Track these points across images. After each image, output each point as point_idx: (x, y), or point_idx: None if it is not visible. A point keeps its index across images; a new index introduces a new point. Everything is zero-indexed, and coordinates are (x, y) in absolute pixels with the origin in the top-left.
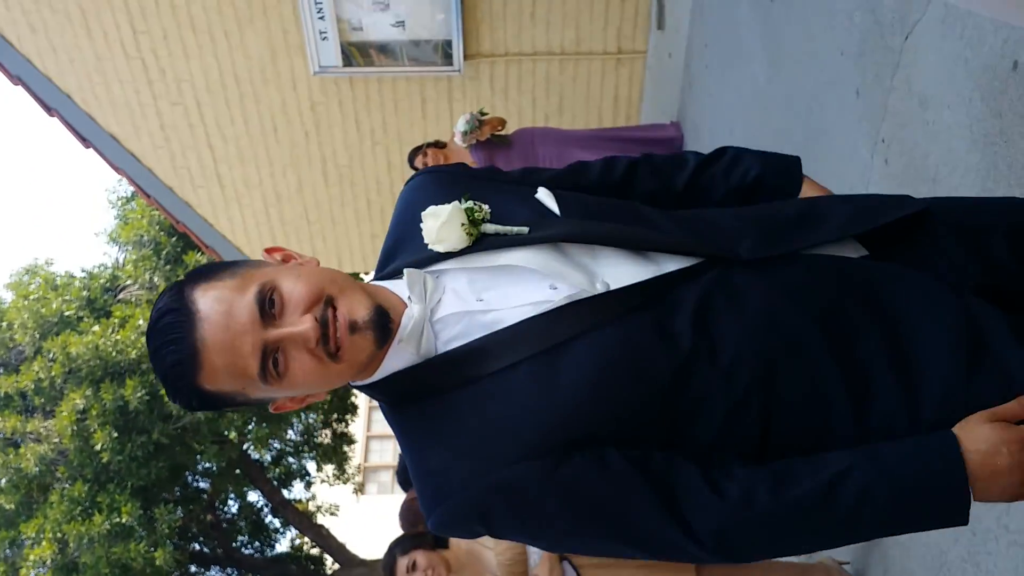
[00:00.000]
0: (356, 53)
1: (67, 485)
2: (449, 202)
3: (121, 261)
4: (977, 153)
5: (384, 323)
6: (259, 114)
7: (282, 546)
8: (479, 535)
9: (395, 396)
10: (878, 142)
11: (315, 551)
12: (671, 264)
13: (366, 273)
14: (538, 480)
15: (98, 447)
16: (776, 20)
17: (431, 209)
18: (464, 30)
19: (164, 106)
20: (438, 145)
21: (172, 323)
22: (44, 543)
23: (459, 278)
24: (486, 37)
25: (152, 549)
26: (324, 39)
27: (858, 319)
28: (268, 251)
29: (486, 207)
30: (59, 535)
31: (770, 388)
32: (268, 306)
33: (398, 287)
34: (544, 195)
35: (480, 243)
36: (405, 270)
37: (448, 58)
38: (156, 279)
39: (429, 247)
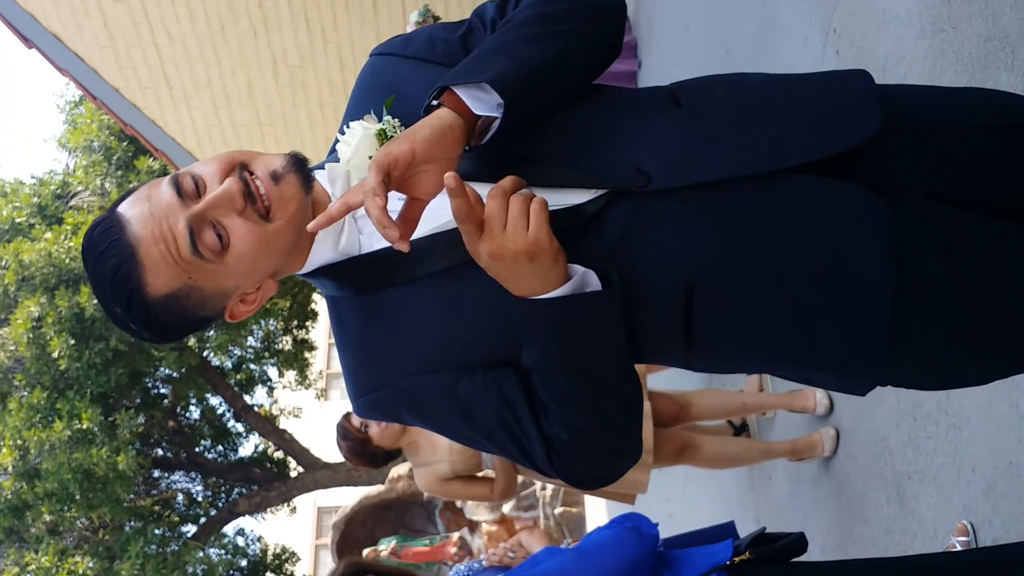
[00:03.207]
0: None
1: (25, 393)
2: (390, 93)
3: (71, 167)
4: (926, 41)
5: (303, 167)
6: (205, 11)
7: (245, 450)
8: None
9: (328, 288)
10: (829, 32)
11: (279, 455)
12: (586, 193)
13: None
14: (438, 393)
15: (55, 354)
16: None
17: (349, 131)
18: None
19: (107, 3)
20: None
21: (103, 232)
22: (4, 449)
23: None
24: None
25: (114, 455)
26: None
27: (782, 250)
28: None
29: (398, 127)
30: (19, 442)
31: (691, 313)
32: (191, 187)
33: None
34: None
35: None
36: (327, 164)
37: None
38: (107, 185)
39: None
